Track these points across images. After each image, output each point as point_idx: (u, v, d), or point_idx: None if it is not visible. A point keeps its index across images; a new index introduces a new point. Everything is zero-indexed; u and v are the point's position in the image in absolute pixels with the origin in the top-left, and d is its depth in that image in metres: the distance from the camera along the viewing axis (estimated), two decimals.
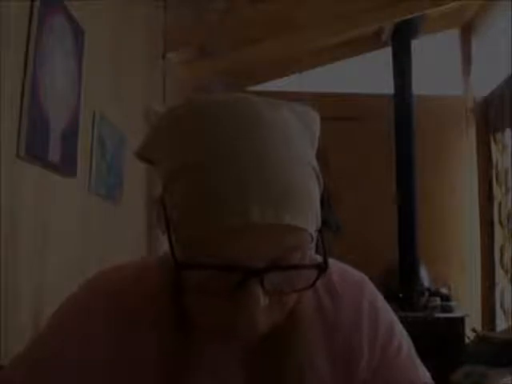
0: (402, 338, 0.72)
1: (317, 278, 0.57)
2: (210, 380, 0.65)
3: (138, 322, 0.66)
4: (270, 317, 0.57)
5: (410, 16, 3.93)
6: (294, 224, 0.54)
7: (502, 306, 4.01)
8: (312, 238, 0.58)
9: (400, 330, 0.73)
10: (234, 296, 0.54)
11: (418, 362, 0.72)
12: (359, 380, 0.68)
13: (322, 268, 0.57)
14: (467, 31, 4.70)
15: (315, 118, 0.65)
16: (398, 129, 4.22)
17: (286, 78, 4.62)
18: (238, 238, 0.53)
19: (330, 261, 0.73)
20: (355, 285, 0.72)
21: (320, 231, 0.60)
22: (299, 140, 0.58)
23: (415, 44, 4.30)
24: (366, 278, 0.75)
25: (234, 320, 0.55)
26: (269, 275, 0.54)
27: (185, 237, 0.55)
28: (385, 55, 4.43)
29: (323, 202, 0.60)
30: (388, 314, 0.73)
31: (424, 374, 0.71)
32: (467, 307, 4.09)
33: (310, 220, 0.56)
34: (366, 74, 4.52)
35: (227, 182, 0.52)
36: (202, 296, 0.56)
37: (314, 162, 0.59)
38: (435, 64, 4.54)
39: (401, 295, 3.89)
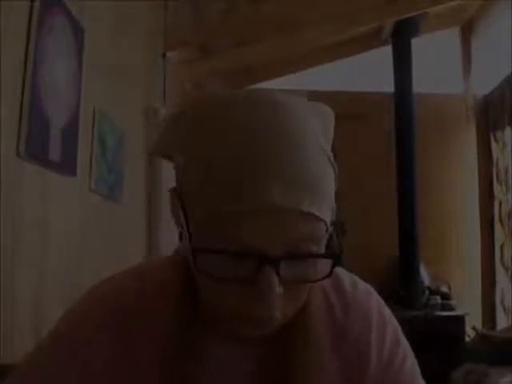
0: (406, 346, 0.73)
1: (332, 267, 0.57)
2: (218, 376, 0.65)
3: (146, 322, 0.65)
4: (283, 307, 0.57)
5: (410, 14, 3.93)
6: (311, 211, 0.53)
7: (502, 304, 4.01)
8: (327, 230, 0.57)
9: (404, 338, 0.73)
10: (250, 283, 0.54)
11: (419, 371, 0.73)
12: (367, 382, 0.69)
13: (337, 257, 0.57)
14: (467, 30, 4.70)
15: (329, 112, 0.64)
16: (399, 127, 4.22)
17: (286, 77, 4.62)
18: (255, 222, 0.52)
19: (341, 270, 0.73)
20: (364, 292, 0.73)
21: (333, 224, 0.60)
22: (313, 128, 0.58)
23: (415, 42, 4.30)
24: (372, 288, 0.76)
25: (250, 306, 0.55)
26: (284, 264, 0.54)
27: (202, 221, 0.55)
28: (385, 54, 4.43)
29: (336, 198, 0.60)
30: (394, 320, 0.74)
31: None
32: (467, 305, 4.09)
33: (325, 209, 0.56)
34: (367, 73, 4.52)
35: (245, 165, 0.52)
36: (218, 284, 0.56)
37: (329, 153, 0.59)
38: (435, 62, 4.53)
39: (401, 293, 3.89)
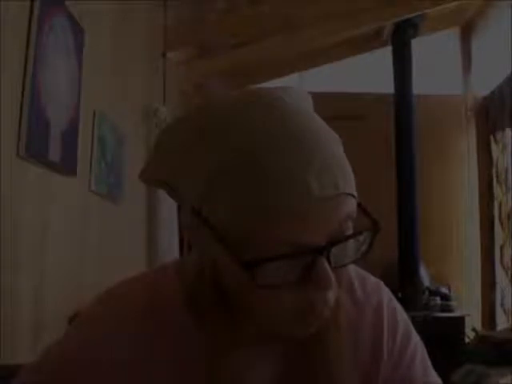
0: (417, 340, 0.72)
1: (372, 240, 0.56)
2: (246, 380, 0.64)
3: (156, 328, 0.63)
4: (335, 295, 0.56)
5: (410, 15, 3.93)
6: (347, 191, 0.53)
7: (502, 305, 4.01)
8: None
9: (414, 331, 0.73)
10: (305, 280, 0.52)
11: (430, 363, 0.72)
12: (381, 379, 0.68)
13: (377, 228, 0.56)
14: (467, 30, 4.70)
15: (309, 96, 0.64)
16: (399, 128, 4.22)
17: (285, 77, 4.62)
18: (299, 220, 0.51)
19: (351, 267, 0.68)
20: (374, 288, 0.73)
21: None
22: (311, 112, 0.58)
23: (415, 43, 4.30)
24: (382, 283, 0.75)
25: (309, 304, 0.54)
26: (331, 250, 0.53)
27: (240, 234, 0.52)
28: (385, 54, 4.43)
29: None
30: (404, 315, 0.74)
31: (436, 376, 0.71)
32: (467, 306, 4.09)
33: (353, 185, 0.55)
34: (366, 74, 4.52)
35: (277, 166, 0.51)
36: (271, 292, 0.53)
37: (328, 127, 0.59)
38: (435, 63, 4.54)
39: (400, 294, 3.89)
